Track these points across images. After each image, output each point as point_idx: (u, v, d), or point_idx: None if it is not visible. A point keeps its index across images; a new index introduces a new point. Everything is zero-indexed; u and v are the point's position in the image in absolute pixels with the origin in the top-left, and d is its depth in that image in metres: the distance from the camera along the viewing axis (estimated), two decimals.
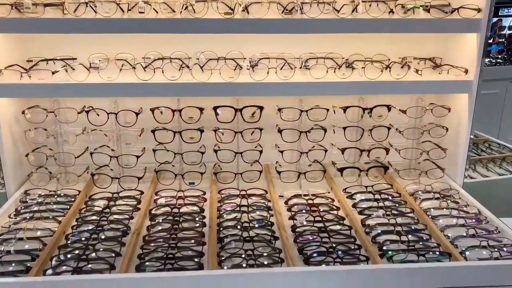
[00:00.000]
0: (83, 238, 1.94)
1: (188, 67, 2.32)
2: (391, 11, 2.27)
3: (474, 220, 2.12)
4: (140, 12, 2.20)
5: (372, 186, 2.42)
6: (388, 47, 2.43)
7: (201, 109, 2.38)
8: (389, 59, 2.43)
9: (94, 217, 2.12)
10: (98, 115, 2.41)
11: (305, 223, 2.08)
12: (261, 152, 2.44)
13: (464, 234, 2.00)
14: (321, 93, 2.33)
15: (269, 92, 2.29)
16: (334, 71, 2.36)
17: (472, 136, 2.40)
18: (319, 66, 2.37)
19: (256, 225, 2.06)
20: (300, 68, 2.40)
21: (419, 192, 2.40)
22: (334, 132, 2.52)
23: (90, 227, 2.04)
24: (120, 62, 2.33)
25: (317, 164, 2.53)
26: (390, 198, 2.33)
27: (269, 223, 2.08)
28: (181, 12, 2.20)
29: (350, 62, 2.41)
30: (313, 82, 2.30)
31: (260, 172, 2.44)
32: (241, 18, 2.19)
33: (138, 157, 2.39)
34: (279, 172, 2.45)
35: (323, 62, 2.41)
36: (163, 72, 2.27)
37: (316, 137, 2.46)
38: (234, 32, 2.19)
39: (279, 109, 2.43)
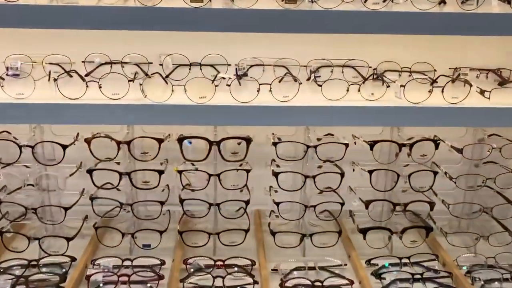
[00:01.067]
0: None
1: (147, 75, 1.66)
2: (443, 1, 1.56)
3: None
4: None
5: (409, 257, 1.72)
6: (430, 52, 1.81)
7: (160, 141, 1.64)
8: (435, 70, 1.79)
9: None
10: (19, 145, 1.67)
11: None
12: (247, 203, 1.69)
13: None
14: (337, 123, 1.60)
15: (260, 120, 1.57)
16: (359, 89, 1.61)
17: None
18: (335, 82, 1.62)
19: None
20: (308, 80, 1.72)
21: (478, 269, 1.71)
22: (353, 171, 1.78)
23: None
24: (50, 67, 1.70)
25: (329, 217, 1.78)
26: (435, 278, 1.61)
27: None
28: None
29: (380, 73, 1.73)
30: (326, 107, 1.55)
31: (246, 231, 1.71)
32: (222, 8, 1.51)
33: (66, 209, 1.65)
34: (273, 233, 1.70)
35: (341, 73, 1.74)
36: (100, 87, 1.52)
37: (329, 184, 1.72)
38: (206, 29, 1.47)
39: (275, 143, 1.68)
